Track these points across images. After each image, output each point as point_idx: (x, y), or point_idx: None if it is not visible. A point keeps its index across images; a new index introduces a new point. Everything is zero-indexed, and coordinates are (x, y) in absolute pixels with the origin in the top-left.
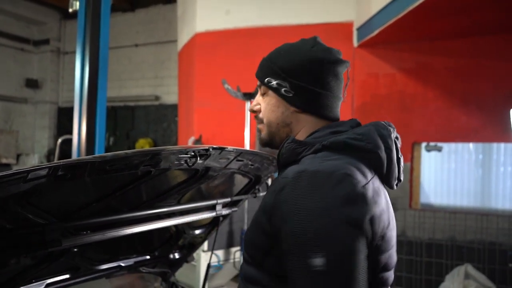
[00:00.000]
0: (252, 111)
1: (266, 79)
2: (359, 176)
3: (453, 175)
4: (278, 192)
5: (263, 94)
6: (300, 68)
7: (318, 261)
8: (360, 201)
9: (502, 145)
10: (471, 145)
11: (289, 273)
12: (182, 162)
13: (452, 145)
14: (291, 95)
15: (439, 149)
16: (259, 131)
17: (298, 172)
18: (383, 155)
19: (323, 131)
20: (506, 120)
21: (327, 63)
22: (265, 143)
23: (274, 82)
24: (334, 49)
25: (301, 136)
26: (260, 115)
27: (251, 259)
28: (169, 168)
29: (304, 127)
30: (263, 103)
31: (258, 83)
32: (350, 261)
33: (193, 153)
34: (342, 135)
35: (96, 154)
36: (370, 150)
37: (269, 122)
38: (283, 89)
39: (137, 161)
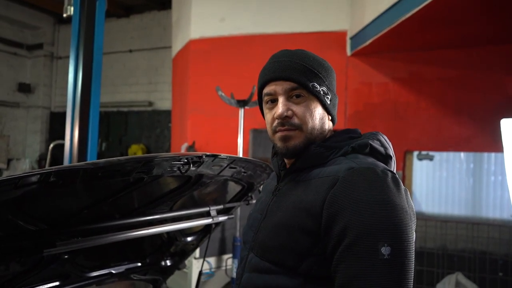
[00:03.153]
0: (284, 117)
1: (311, 84)
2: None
3: (444, 184)
4: (329, 189)
5: (296, 97)
6: (332, 77)
7: (385, 250)
8: (409, 195)
9: (493, 154)
10: (462, 154)
11: (345, 266)
12: (175, 169)
13: (444, 154)
14: (330, 103)
15: (431, 158)
16: (285, 139)
17: (349, 169)
18: (394, 160)
19: (340, 136)
20: (497, 130)
21: None
22: (295, 153)
23: (319, 88)
24: None
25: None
26: (296, 121)
27: (279, 267)
28: (162, 175)
29: (328, 135)
30: (301, 107)
31: (286, 87)
32: (410, 250)
33: (186, 160)
34: (363, 139)
35: (89, 160)
36: (388, 155)
37: (312, 129)
38: (326, 97)
39: (130, 168)
